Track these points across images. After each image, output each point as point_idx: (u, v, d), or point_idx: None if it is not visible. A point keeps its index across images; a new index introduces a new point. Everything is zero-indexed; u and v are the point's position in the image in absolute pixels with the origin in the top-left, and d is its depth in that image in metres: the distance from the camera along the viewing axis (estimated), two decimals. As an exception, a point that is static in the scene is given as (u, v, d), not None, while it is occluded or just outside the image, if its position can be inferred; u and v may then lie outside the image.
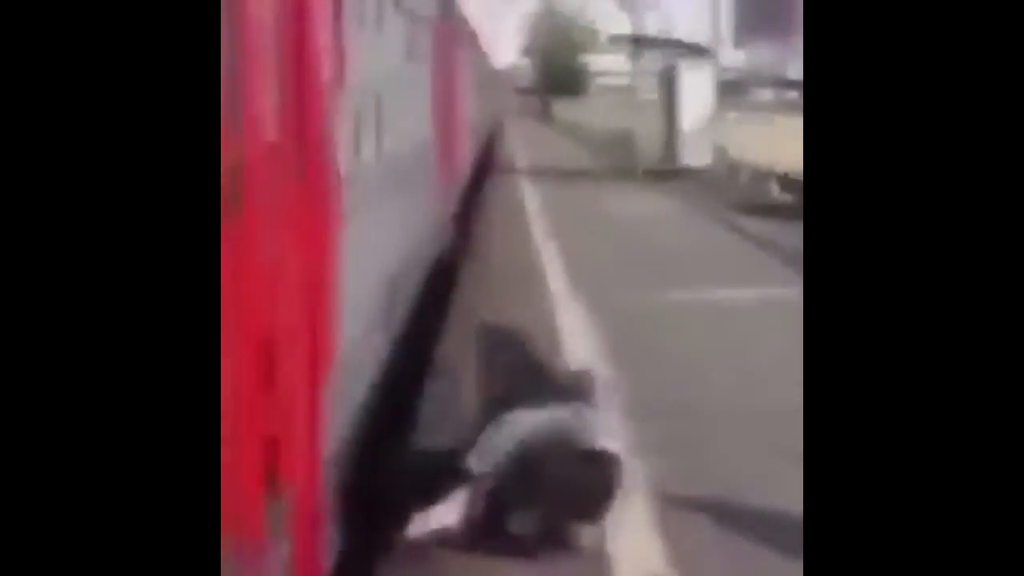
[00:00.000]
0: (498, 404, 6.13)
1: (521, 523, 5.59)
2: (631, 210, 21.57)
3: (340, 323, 5.17)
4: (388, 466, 6.69)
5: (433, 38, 13.34)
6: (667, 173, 28.57)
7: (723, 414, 7.92)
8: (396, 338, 8.25)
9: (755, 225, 18.50)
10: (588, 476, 5.63)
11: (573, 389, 6.25)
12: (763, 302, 11.79)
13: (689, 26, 58.56)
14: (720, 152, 29.17)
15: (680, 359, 9.63)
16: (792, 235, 15.02)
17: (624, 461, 5.74)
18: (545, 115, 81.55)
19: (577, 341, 10.10)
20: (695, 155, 28.88)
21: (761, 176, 25.84)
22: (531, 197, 24.51)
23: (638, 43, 37.95)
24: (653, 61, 33.08)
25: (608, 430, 5.79)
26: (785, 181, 24.05)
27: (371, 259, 6.94)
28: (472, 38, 28.01)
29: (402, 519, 5.72)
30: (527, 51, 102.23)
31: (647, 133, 31.59)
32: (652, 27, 67.29)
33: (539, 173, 30.82)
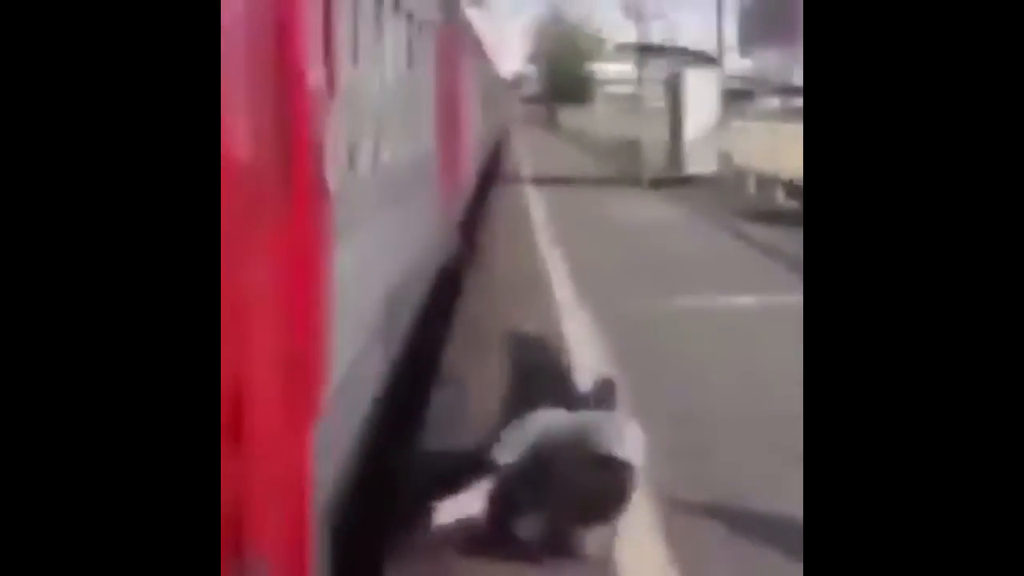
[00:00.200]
0: (523, 404, 6.12)
1: (527, 527, 5.57)
2: (637, 217, 21.57)
3: (330, 359, 4.68)
4: (399, 466, 6.69)
5: (437, 45, 13.22)
6: (673, 180, 28.58)
7: (729, 420, 7.92)
8: (400, 349, 8.14)
9: (761, 232, 18.50)
10: (601, 481, 5.61)
11: (594, 397, 6.25)
12: (769, 309, 11.78)
13: (695, 35, 58.68)
14: (726, 159, 29.16)
15: (686, 366, 9.62)
16: (798, 242, 15.00)
17: (639, 471, 5.70)
18: (551, 123, 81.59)
19: (583, 348, 10.10)
20: (701, 162, 28.89)
21: (767, 183, 25.83)
22: (537, 205, 24.51)
23: (644, 51, 37.93)
24: (659, 69, 33.06)
25: (627, 439, 5.77)
26: (791, 188, 24.03)
27: (368, 277, 6.63)
28: (477, 45, 27.99)
29: (425, 509, 5.68)
30: (533, 59, 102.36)
31: (653, 141, 31.61)
32: (658, 36, 67.31)
33: (545, 181, 30.84)
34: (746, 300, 12.53)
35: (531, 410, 6.00)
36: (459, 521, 5.63)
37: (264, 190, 3.83)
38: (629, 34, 68.19)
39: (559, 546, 5.57)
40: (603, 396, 6.21)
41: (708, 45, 37.98)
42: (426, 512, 5.63)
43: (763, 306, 12.03)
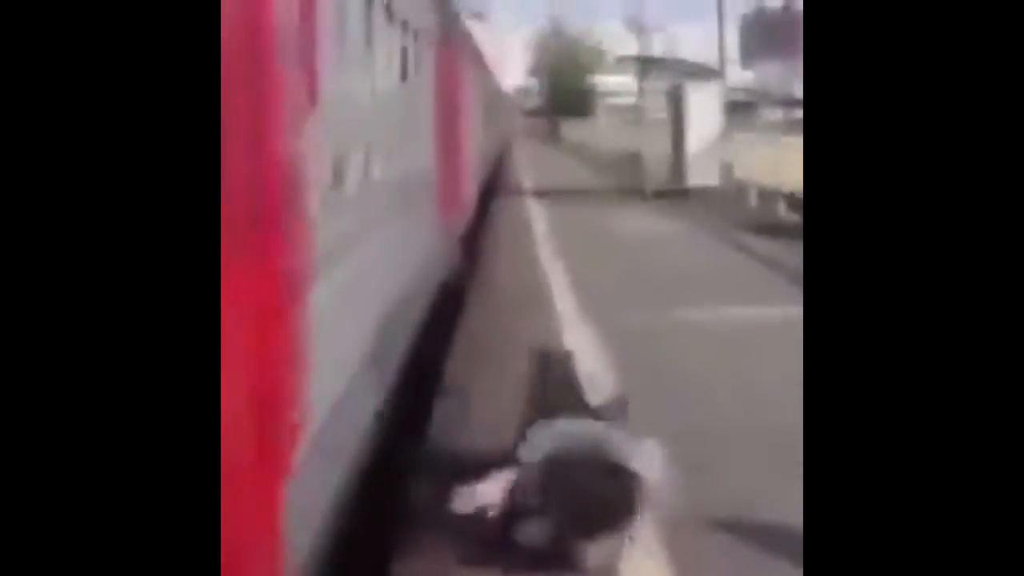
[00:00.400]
0: (545, 412, 6.16)
1: (532, 533, 5.57)
2: (638, 230, 21.58)
3: (305, 412, 4.35)
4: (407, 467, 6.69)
5: (436, 57, 13.05)
6: (674, 193, 28.58)
7: (731, 433, 7.91)
8: (399, 366, 8.05)
9: (762, 245, 18.49)
10: (609, 490, 5.60)
11: (606, 412, 6.28)
12: (770, 321, 11.78)
13: (696, 47, 58.72)
14: (727, 172, 29.17)
15: (688, 378, 9.62)
16: (799, 255, 15.00)
17: (651, 485, 5.69)
18: (553, 136, 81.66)
19: (585, 361, 10.09)
20: (702, 175, 28.89)
21: (768, 196, 25.84)
22: (538, 218, 24.52)
23: (645, 64, 38.02)
24: (660, 82, 33.11)
25: (644, 453, 5.77)
26: (792, 200, 24.03)
27: (355, 305, 6.29)
28: (478, 57, 27.98)
29: (447, 495, 5.75)
30: (534, 72, 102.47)
31: (654, 153, 31.63)
32: (659, 48, 67.49)
33: (546, 194, 30.85)
34: (748, 312, 12.52)
35: (552, 418, 6.04)
36: (477, 509, 5.68)
37: (233, 217, 3.35)
38: (630, 47, 68.38)
39: (562, 556, 5.56)
40: (616, 412, 6.25)
41: (709, 57, 38.08)
42: (446, 499, 5.72)
43: (765, 318, 12.02)
